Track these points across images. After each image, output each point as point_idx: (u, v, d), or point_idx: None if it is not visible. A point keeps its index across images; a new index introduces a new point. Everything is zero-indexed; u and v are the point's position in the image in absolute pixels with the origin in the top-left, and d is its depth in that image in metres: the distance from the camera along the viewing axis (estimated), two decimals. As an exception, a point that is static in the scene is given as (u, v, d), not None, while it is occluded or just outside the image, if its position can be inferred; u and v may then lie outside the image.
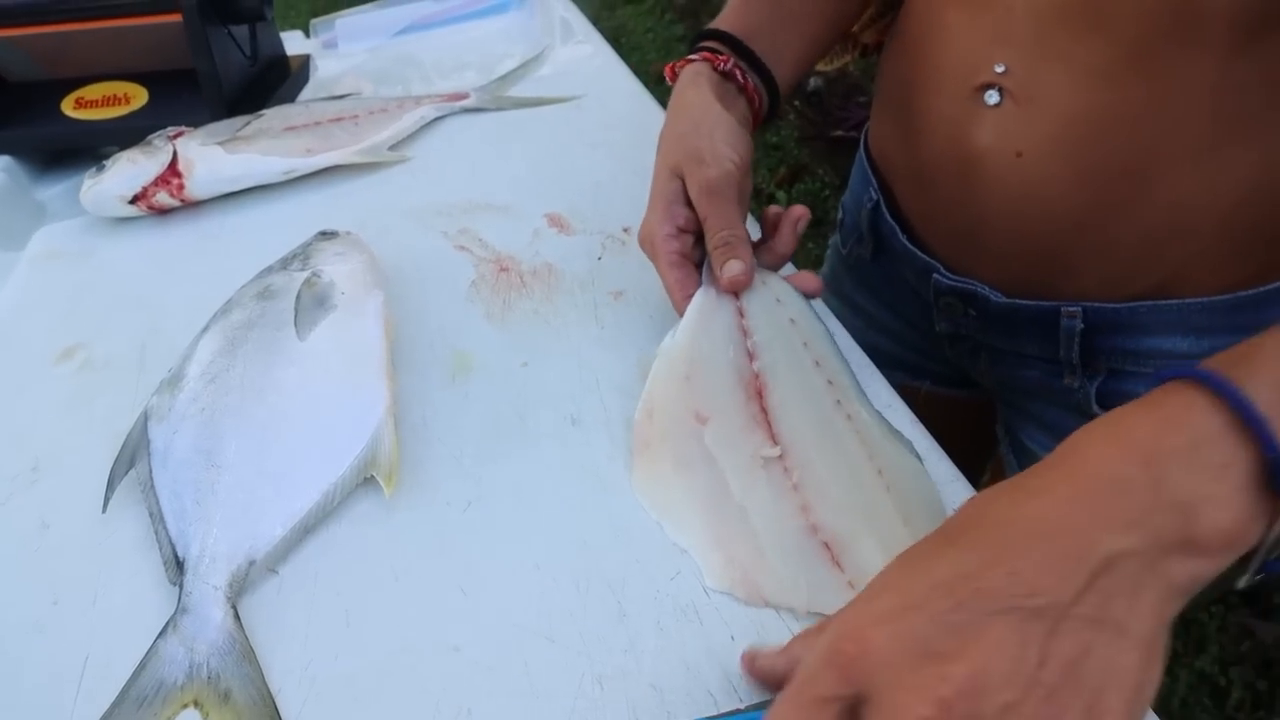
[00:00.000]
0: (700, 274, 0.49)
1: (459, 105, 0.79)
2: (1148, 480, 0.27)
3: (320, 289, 0.51)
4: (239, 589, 0.40)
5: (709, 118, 0.50)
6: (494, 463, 0.45)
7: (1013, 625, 0.26)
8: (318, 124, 0.72)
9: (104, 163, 0.65)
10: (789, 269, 0.52)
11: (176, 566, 0.40)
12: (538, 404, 0.49)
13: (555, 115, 0.78)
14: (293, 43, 0.98)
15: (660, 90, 0.60)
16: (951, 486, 0.43)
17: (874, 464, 0.42)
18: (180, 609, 0.38)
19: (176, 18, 0.71)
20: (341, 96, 0.79)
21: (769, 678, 0.34)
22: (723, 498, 0.42)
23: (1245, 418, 0.27)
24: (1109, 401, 0.54)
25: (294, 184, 0.69)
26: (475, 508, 0.43)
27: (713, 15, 0.58)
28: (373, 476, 0.43)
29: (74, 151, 0.79)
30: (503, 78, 0.84)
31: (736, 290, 0.48)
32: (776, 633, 0.37)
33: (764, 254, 0.51)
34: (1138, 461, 0.28)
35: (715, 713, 0.34)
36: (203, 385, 0.46)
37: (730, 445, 0.43)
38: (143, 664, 0.37)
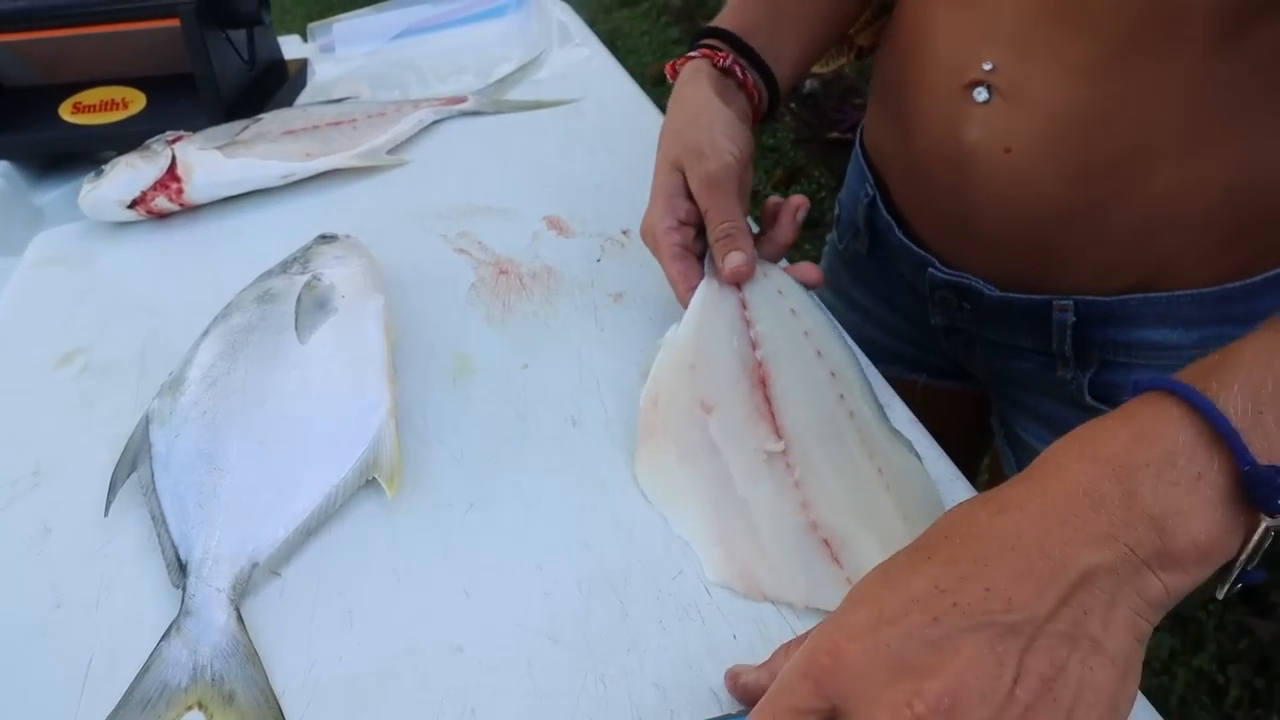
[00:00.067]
0: (703, 266, 0.50)
1: (457, 109, 0.79)
2: (1121, 495, 0.28)
3: (320, 292, 0.52)
4: (242, 591, 0.40)
5: (708, 112, 0.51)
6: (495, 464, 0.46)
7: (988, 641, 0.26)
8: (316, 128, 0.72)
9: (102, 167, 0.65)
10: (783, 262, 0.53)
11: (179, 569, 0.40)
12: (538, 405, 0.49)
13: (553, 118, 0.78)
14: (290, 47, 0.98)
15: (656, 92, 0.61)
16: (951, 485, 0.43)
17: (874, 463, 0.42)
18: (183, 611, 0.38)
19: (174, 23, 0.72)
20: (339, 100, 0.80)
21: (753, 694, 0.34)
22: (726, 491, 0.42)
23: (1218, 430, 0.27)
24: (1102, 392, 0.54)
25: (293, 188, 0.70)
26: (477, 509, 0.43)
27: (708, 18, 0.58)
28: (374, 478, 0.43)
29: (72, 156, 0.79)
30: (500, 81, 0.84)
31: (739, 281, 0.48)
32: (778, 631, 0.37)
33: (764, 244, 0.52)
34: (1112, 476, 0.28)
35: (718, 713, 0.34)
36: (204, 389, 0.46)
37: (735, 437, 0.43)
38: (146, 666, 0.37)
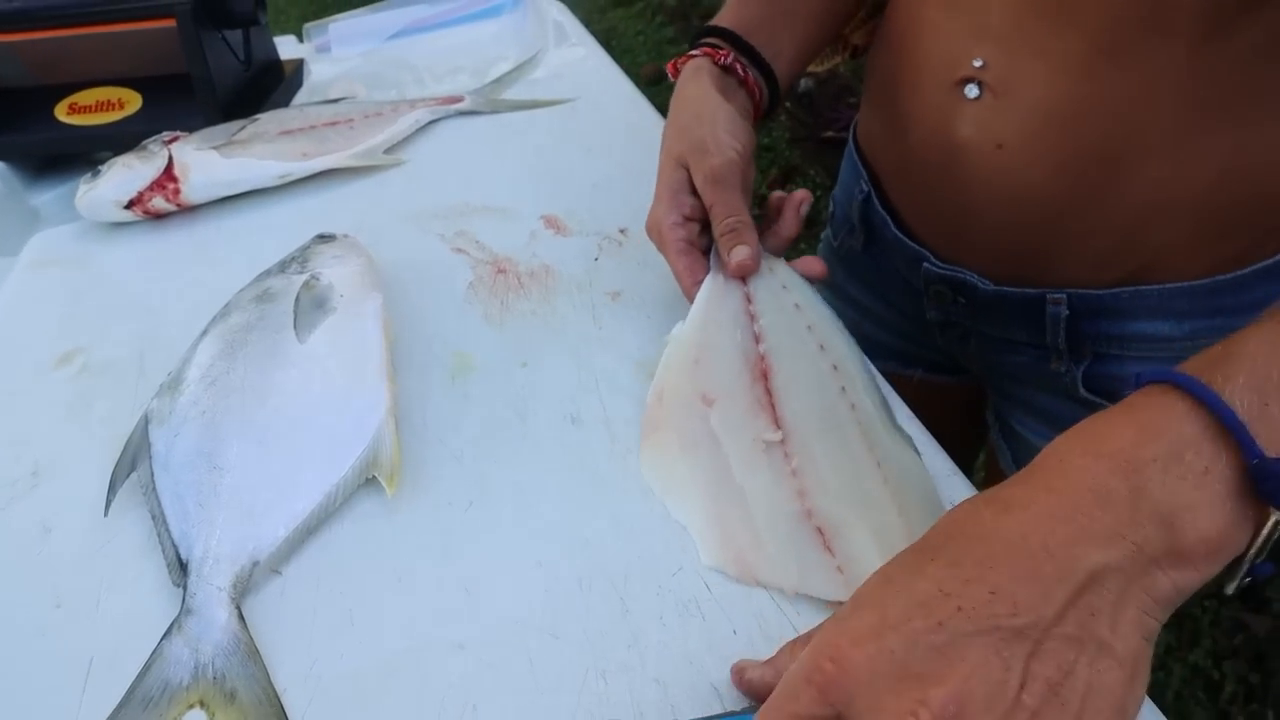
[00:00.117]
0: (708, 261, 0.50)
1: (454, 108, 0.79)
2: (1129, 491, 0.27)
3: (319, 291, 0.52)
4: (243, 590, 0.40)
5: (710, 109, 0.51)
6: (495, 462, 0.46)
7: (994, 646, 0.26)
8: (313, 128, 0.72)
9: (99, 168, 0.65)
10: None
11: (180, 568, 0.40)
12: (537, 404, 0.49)
13: (550, 118, 0.78)
14: (286, 47, 0.98)
15: (652, 91, 0.61)
16: (949, 480, 0.43)
17: (874, 455, 0.43)
18: (184, 610, 0.39)
19: (170, 23, 0.72)
20: (336, 100, 0.80)
21: (757, 689, 0.34)
22: (724, 479, 0.42)
23: (1225, 423, 0.27)
24: (1096, 385, 0.55)
25: (290, 188, 0.70)
26: (477, 507, 0.43)
27: (702, 17, 0.58)
28: (374, 477, 0.44)
29: (68, 157, 0.78)
30: (497, 81, 0.84)
31: (744, 275, 0.49)
32: (777, 626, 0.37)
33: (768, 238, 0.52)
34: (1118, 472, 0.27)
35: (719, 709, 0.34)
36: (203, 388, 0.46)
37: (734, 428, 0.44)
38: (148, 665, 0.37)
